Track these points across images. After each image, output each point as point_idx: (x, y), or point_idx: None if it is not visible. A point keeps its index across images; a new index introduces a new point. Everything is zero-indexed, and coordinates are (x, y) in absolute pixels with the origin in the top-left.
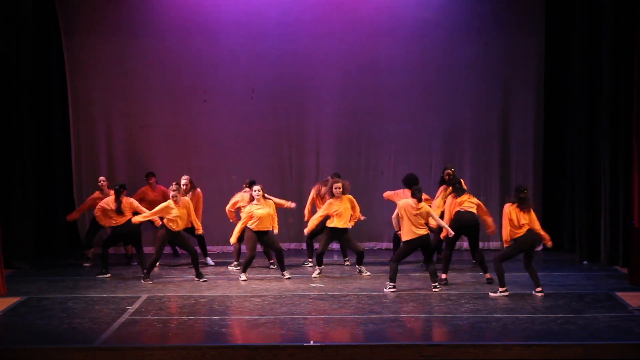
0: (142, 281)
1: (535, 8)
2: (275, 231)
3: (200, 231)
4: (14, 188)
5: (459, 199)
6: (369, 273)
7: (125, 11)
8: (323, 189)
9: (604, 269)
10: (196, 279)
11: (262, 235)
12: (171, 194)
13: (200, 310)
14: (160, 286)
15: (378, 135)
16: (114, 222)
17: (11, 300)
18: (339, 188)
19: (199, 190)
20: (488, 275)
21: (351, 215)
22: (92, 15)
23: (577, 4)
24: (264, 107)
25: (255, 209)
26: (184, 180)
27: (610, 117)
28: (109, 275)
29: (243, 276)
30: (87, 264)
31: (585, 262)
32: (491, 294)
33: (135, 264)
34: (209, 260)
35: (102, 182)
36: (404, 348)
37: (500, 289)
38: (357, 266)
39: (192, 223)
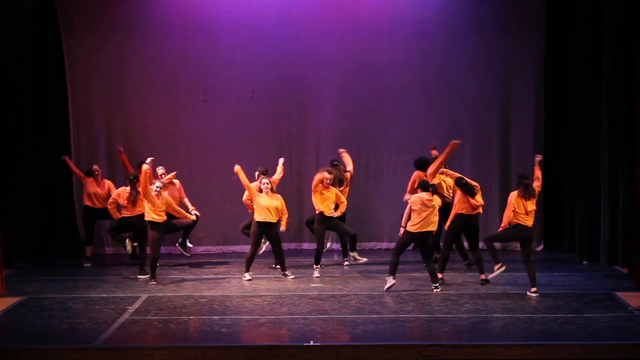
0: (139, 276)
1: (535, 8)
2: (282, 228)
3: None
4: (14, 188)
5: (472, 199)
6: (365, 259)
7: (125, 11)
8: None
9: (604, 269)
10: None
11: (268, 229)
12: (156, 184)
13: (200, 310)
14: (160, 286)
15: (378, 135)
16: (127, 212)
17: (11, 300)
18: (329, 179)
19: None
20: (483, 276)
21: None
22: (92, 15)
23: (577, 4)
24: (264, 107)
25: (260, 199)
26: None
27: (610, 117)
28: (128, 240)
29: (247, 275)
30: (88, 264)
31: (585, 262)
32: (489, 276)
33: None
34: (188, 244)
35: (96, 171)
36: (404, 348)
37: (496, 266)
38: (350, 253)
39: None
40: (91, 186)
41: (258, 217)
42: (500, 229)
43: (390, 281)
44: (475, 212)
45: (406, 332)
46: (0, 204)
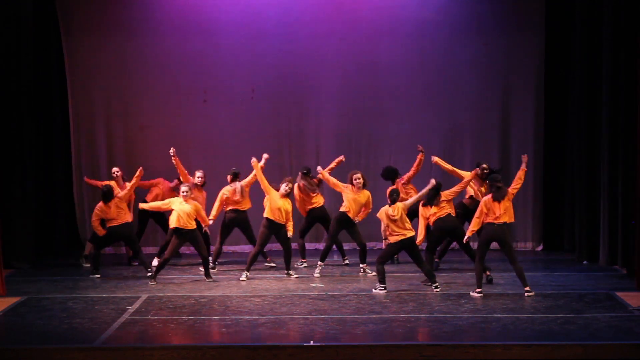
0: (149, 276)
1: (535, 8)
2: (290, 234)
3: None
4: (14, 188)
5: (433, 209)
6: (373, 273)
7: (125, 11)
8: (302, 184)
9: (604, 269)
10: (205, 278)
11: (278, 229)
12: (182, 189)
13: (200, 310)
14: (160, 286)
15: (378, 135)
16: (113, 222)
17: (11, 300)
18: (359, 179)
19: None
20: (487, 273)
21: (362, 210)
22: (92, 15)
23: (577, 4)
24: (264, 107)
25: (277, 198)
26: (199, 174)
27: (610, 117)
28: (98, 275)
29: (244, 276)
30: (88, 264)
31: (585, 262)
32: (471, 293)
33: (136, 264)
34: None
35: (116, 173)
36: (404, 348)
37: (477, 290)
38: (360, 265)
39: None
40: (115, 190)
41: (270, 215)
42: (469, 233)
43: (379, 288)
44: (445, 212)
45: (406, 332)
46: (0, 204)
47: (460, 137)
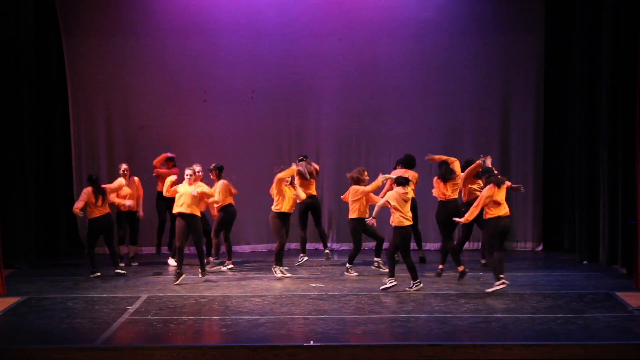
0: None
1: (535, 8)
2: (302, 195)
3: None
4: (14, 188)
5: (449, 188)
6: (385, 269)
7: (126, 11)
8: (299, 169)
9: (604, 269)
10: (200, 274)
11: (289, 218)
12: (186, 172)
13: (200, 310)
14: (160, 286)
15: (378, 135)
16: (96, 213)
17: (11, 300)
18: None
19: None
20: (441, 266)
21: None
22: (92, 15)
23: (577, 4)
24: (264, 107)
25: (287, 190)
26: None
27: (610, 117)
28: (99, 274)
29: (279, 272)
30: (135, 263)
31: (585, 262)
32: (487, 290)
33: (136, 264)
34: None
35: (124, 170)
36: (404, 348)
37: (496, 283)
38: (375, 259)
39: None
40: (124, 189)
41: (285, 208)
42: (463, 220)
43: (390, 282)
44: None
45: (406, 332)
46: (0, 204)
47: (460, 137)
